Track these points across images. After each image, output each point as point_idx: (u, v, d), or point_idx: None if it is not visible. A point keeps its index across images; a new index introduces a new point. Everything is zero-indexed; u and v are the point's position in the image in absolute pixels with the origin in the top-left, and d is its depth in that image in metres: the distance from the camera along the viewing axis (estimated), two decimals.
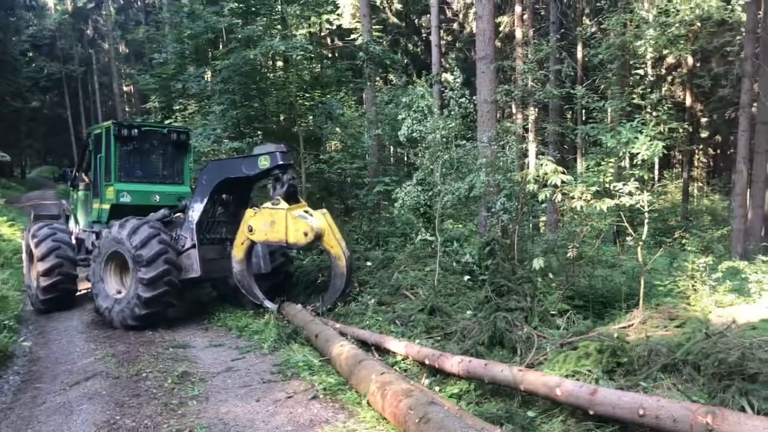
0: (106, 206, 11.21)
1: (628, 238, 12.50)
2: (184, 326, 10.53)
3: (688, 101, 22.88)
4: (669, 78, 27.41)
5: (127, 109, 53.02)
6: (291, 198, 9.99)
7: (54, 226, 12.06)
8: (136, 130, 11.24)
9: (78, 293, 12.38)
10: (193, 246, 10.35)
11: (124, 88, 54.39)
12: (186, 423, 5.81)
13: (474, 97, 11.91)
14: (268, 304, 10.11)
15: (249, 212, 10.06)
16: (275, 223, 9.61)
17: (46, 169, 53.70)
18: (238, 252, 10.29)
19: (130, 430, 5.70)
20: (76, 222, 12.82)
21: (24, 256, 12.72)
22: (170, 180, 12.01)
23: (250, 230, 9.94)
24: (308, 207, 10.09)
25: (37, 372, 8.00)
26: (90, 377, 7.45)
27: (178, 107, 20.48)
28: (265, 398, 6.52)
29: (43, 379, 7.67)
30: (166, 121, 20.37)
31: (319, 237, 9.57)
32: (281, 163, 9.85)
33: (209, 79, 19.60)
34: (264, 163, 9.89)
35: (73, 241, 12.13)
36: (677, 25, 14.07)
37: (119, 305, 10.00)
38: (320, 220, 9.70)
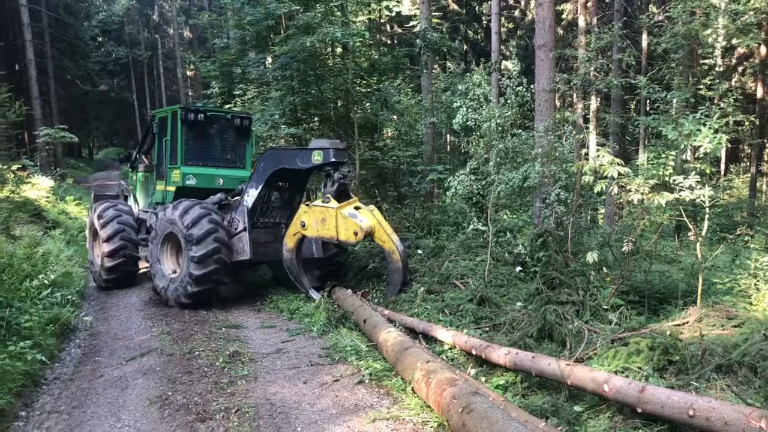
0: (172, 188, 11.51)
1: (689, 234, 12.15)
2: (237, 307, 10.79)
3: (760, 93, 21.90)
4: (739, 69, 26.32)
5: (189, 93, 54.25)
6: (342, 195, 10.17)
7: (119, 208, 12.47)
8: (201, 115, 11.47)
9: (138, 272, 12.81)
10: (245, 229, 10.56)
11: (188, 73, 55.62)
12: (234, 402, 5.96)
13: (532, 86, 11.70)
14: (314, 294, 10.27)
15: (302, 208, 10.29)
16: (326, 220, 9.80)
17: (112, 150, 55.49)
18: (289, 241, 10.52)
19: (181, 406, 5.88)
20: (135, 202, 13.21)
21: (88, 234, 13.23)
22: (233, 164, 12.27)
23: (303, 225, 10.16)
24: (359, 203, 10.18)
25: (96, 346, 8.33)
26: (145, 353, 7.72)
27: (238, 92, 20.82)
28: (312, 381, 6.63)
29: (102, 353, 7.99)
30: (227, 106, 20.75)
31: (369, 235, 9.73)
32: (333, 160, 10.02)
33: (269, 65, 19.86)
34: (317, 158, 10.05)
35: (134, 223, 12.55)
36: (750, 12, 13.46)
37: (173, 284, 10.33)
38: (369, 217, 9.81)
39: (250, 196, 10.81)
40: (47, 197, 21.34)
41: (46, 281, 9.09)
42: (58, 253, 12.76)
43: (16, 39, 30.36)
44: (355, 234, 9.50)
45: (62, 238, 15.92)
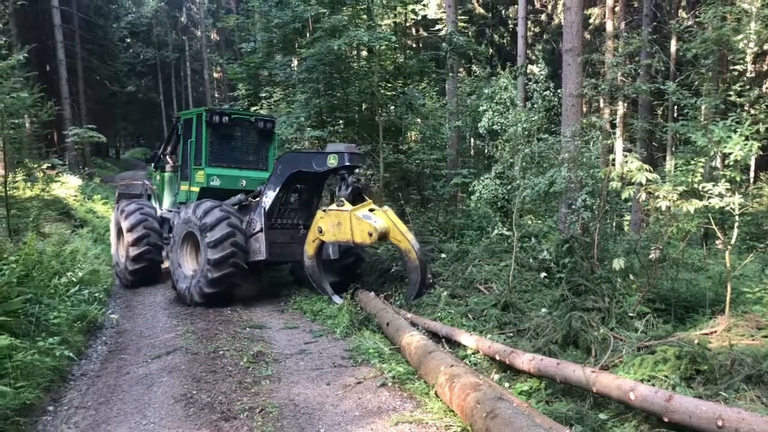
0: (196, 189, 11.66)
1: (717, 242, 11.97)
2: (261, 307, 10.87)
3: None
4: None
5: (216, 95, 54.75)
6: (357, 198, 10.30)
7: (145, 212, 12.65)
8: (226, 117, 11.64)
9: (162, 271, 12.97)
10: (261, 230, 10.69)
11: (215, 75, 56.15)
12: (258, 401, 6.00)
13: (559, 91, 11.63)
14: (336, 299, 10.33)
15: (319, 213, 10.42)
16: (342, 224, 9.92)
17: (138, 150, 56.19)
18: (309, 248, 10.67)
19: (205, 405, 5.93)
20: (159, 202, 13.39)
21: (112, 233, 13.43)
22: (256, 166, 12.41)
23: (320, 231, 10.30)
24: (373, 205, 10.27)
25: (122, 343, 8.45)
26: (170, 352, 7.80)
27: (264, 94, 20.97)
28: (336, 382, 6.64)
29: (128, 350, 8.10)
30: (252, 109, 20.90)
31: (384, 236, 9.81)
32: (348, 164, 10.14)
33: (295, 68, 19.96)
34: (332, 161, 10.17)
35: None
36: None
37: (191, 282, 10.49)
38: (383, 218, 9.89)
39: (268, 197, 10.95)
40: (75, 196, 21.68)
41: (74, 279, 9.23)
42: (86, 251, 12.95)
43: (47, 40, 30.87)
44: (370, 235, 9.57)
45: (90, 237, 16.16)
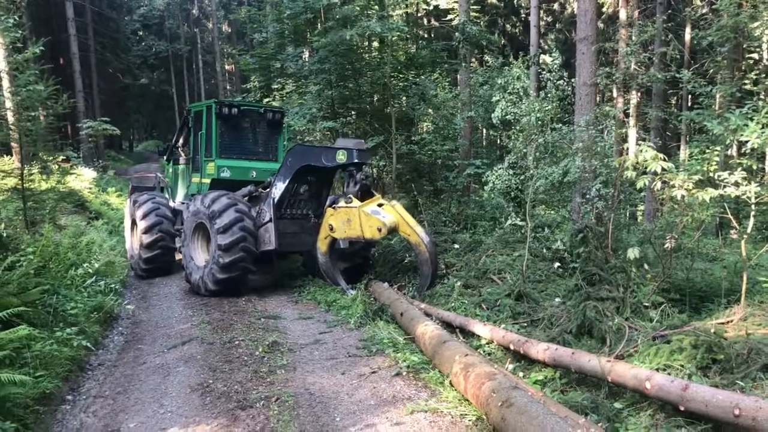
0: (207, 180, 11.75)
1: (732, 231, 11.87)
2: (275, 298, 10.94)
3: None
4: None
5: (228, 87, 54.81)
6: (365, 194, 10.38)
7: (157, 201, 12.80)
8: (235, 109, 11.72)
9: (175, 262, 13.07)
10: (271, 220, 10.76)
11: (227, 67, 56.20)
12: (274, 390, 6.04)
13: (572, 80, 11.56)
14: (350, 291, 10.33)
15: (329, 211, 10.48)
16: (351, 220, 10.01)
17: (151, 142, 56.42)
18: (322, 245, 10.75)
19: (221, 394, 5.98)
20: (172, 195, 13.49)
21: (126, 225, 13.54)
22: (266, 157, 12.49)
23: (331, 229, 10.38)
24: (382, 200, 10.30)
25: (138, 334, 8.53)
26: (186, 342, 7.88)
27: (276, 86, 20.99)
28: (350, 372, 6.68)
29: (144, 340, 8.17)
30: (265, 100, 20.93)
31: (393, 230, 9.90)
32: (356, 161, 10.18)
33: (307, 59, 19.96)
34: (341, 157, 10.22)
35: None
36: None
37: (203, 272, 10.58)
38: (391, 213, 9.94)
39: (278, 188, 11.02)
40: (90, 188, 21.84)
41: (90, 270, 9.30)
42: (101, 243, 13.08)
43: (60, 33, 31.04)
44: (379, 230, 9.65)
45: (105, 229, 16.30)
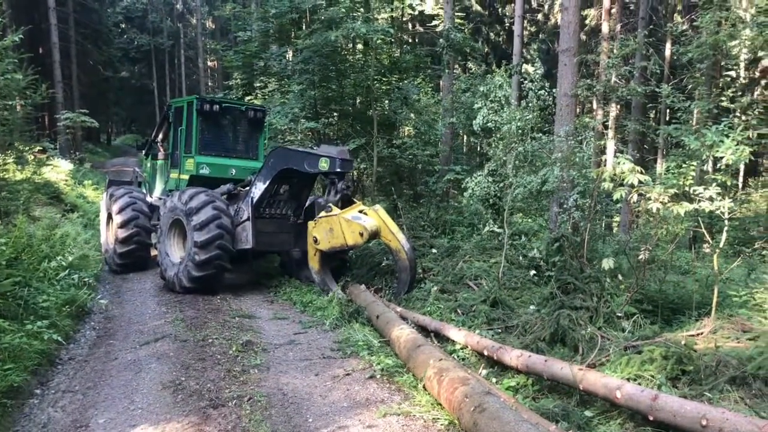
0: (185, 177, 11.66)
1: (705, 245, 12.06)
2: (251, 297, 10.88)
3: None
4: (763, 81, 26.07)
5: (210, 83, 54.50)
6: (346, 203, 10.37)
7: (134, 195, 12.67)
8: (216, 106, 11.64)
9: (151, 258, 12.95)
10: (248, 219, 10.72)
11: (209, 63, 55.87)
12: (247, 390, 6.02)
13: (554, 90, 11.67)
14: (339, 293, 10.26)
15: (310, 224, 10.45)
16: (333, 229, 9.96)
17: (130, 137, 55.86)
18: (314, 263, 10.63)
19: (193, 392, 5.94)
20: (149, 190, 13.37)
21: (102, 219, 13.39)
22: (246, 155, 12.44)
23: (316, 241, 10.30)
24: (362, 206, 10.29)
25: (111, 329, 8.43)
26: (159, 338, 7.81)
27: (258, 84, 20.90)
28: (324, 373, 6.67)
29: (117, 336, 8.08)
30: (247, 98, 20.83)
31: (375, 235, 9.84)
32: (338, 170, 10.12)
33: (290, 59, 19.91)
34: (323, 165, 10.19)
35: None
36: None
37: (178, 269, 10.50)
38: (374, 218, 9.92)
39: (258, 189, 10.99)
40: (66, 180, 21.55)
41: (63, 263, 9.16)
42: (76, 236, 12.91)
43: (41, 23, 30.59)
44: (361, 235, 9.61)
45: (80, 222, 16.10)
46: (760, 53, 14.63)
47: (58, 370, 6.73)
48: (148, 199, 13.09)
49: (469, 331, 7.54)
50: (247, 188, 11.31)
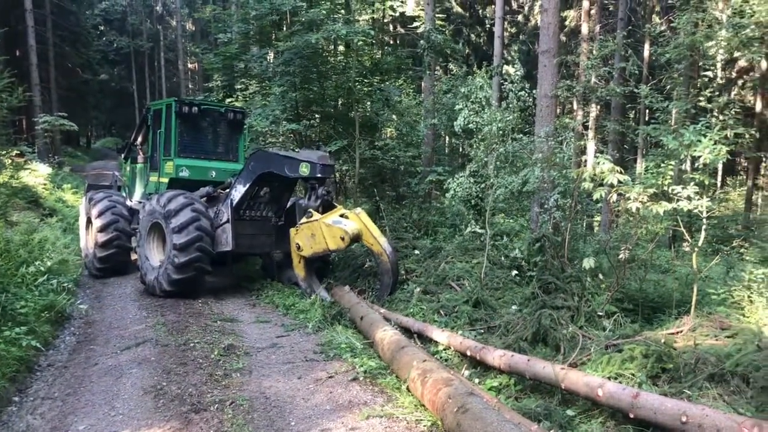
0: (165, 180, 11.58)
1: (684, 244, 12.19)
2: (232, 301, 10.82)
3: (759, 107, 21.95)
4: (739, 82, 26.41)
5: (190, 86, 54.15)
6: (326, 208, 10.33)
7: (113, 199, 12.56)
8: (195, 108, 11.58)
9: (131, 262, 12.84)
10: (228, 221, 10.67)
11: (189, 66, 55.53)
12: (229, 394, 5.99)
13: (534, 91, 11.74)
14: (325, 295, 10.22)
15: (292, 231, 10.42)
16: (315, 235, 9.94)
17: (110, 140, 55.39)
18: (299, 271, 10.60)
19: (175, 397, 5.90)
20: (129, 194, 13.26)
21: (81, 223, 13.25)
22: (226, 157, 12.40)
23: (299, 248, 10.26)
24: (344, 210, 10.24)
25: (91, 334, 8.34)
26: (140, 343, 7.74)
27: (239, 87, 20.80)
28: (307, 376, 6.65)
29: (97, 341, 8.00)
30: (228, 100, 20.73)
31: (357, 238, 9.83)
32: (319, 175, 10.10)
33: (271, 61, 19.85)
34: (304, 170, 10.14)
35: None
36: (752, 26, 13.52)
37: (158, 272, 10.43)
38: (355, 221, 9.90)
39: (238, 191, 10.93)
40: (45, 184, 21.32)
41: (42, 268, 9.07)
42: (55, 241, 12.76)
43: (18, 24, 30.21)
44: (342, 239, 9.58)
45: (59, 226, 15.92)
46: (737, 54, 14.83)
47: (37, 376, 6.66)
48: (128, 202, 12.98)
49: (452, 332, 7.56)
50: (227, 190, 11.25)
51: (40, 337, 7.25)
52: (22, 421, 5.44)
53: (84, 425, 5.32)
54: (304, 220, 10.17)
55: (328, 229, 9.73)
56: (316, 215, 10.01)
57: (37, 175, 21.19)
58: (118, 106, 55.79)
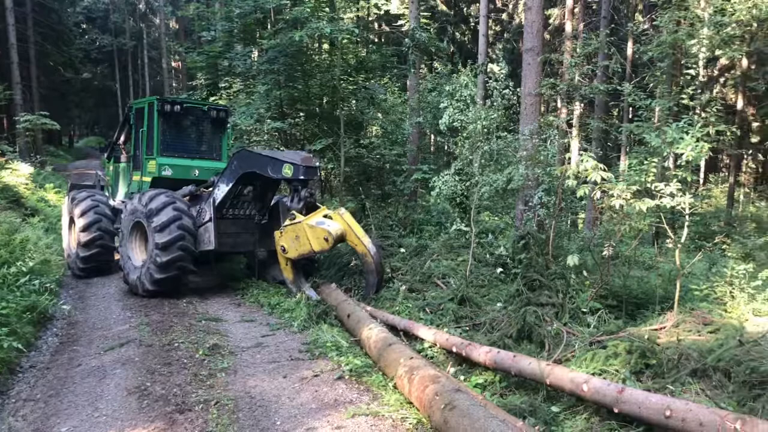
0: (148, 179, 11.49)
1: (667, 241, 12.30)
2: (217, 300, 10.76)
3: (740, 104, 22.21)
4: (721, 79, 26.70)
5: (174, 84, 53.81)
6: (310, 210, 10.26)
7: (96, 198, 12.44)
8: (178, 106, 11.50)
9: (114, 262, 12.73)
10: (210, 220, 10.63)
11: (173, 64, 55.16)
12: (214, 394, 5.95)
13: (518, 89, 11.79)
14: (312, 294, 10.20)
15: (276, 234, 10.36)
16: (299, 237, 9.91)
17: (93, 139, 54.88)
18: (287, 274, 10.57)
19: (159, 397, 5.86)
20: (112, 193, 13.15)
21: (64, 223, 13.12)
22: (209, 155, 12.32)
23: (284, 251, 10.22)
24: (327, 211, 10.21)
25: (74, 335, 8.26)
26: (124, 343, 7.67)
27: (223, 85, 20.70)
28: (292, 375, 6.63)
29: (80, 342, 7.92)
30: (211, 99, 20.60)
31: (341, 239, 9.80)
32: (302, 177, 10.03)
33: (255, 59, 19.76)
34: (287, 171, 10.06)
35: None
36: (733, 25, 13.67)
37: (140, 272, 10.36)
38: (338, 221, 9.86)
39: (221, 190, 10.86)
40: (26, 184, 21.04)
41: (24, 268, 8.97)
42: (37, 241, 12.58)
43: None
44: (326, 240, 9.57)
45: (41, 226, 15.72)
46: (718, 52, 14.98)
47: (18, 378, 6.58)
48: (111, 202, 12.86)
49: (438, 330, 7.57)
50: (210, 189, 11.19)
51: (21, 338, 7.17)
52: (4, 424, 5.37)
53: (67, 427, 5.27)
54: (287, 222, 10.12)
55: (311, 230, 9.71)
56: (300, 217, 9.97)
57: (18, 174, 20.92)
58: (101, 104, 55.33)
